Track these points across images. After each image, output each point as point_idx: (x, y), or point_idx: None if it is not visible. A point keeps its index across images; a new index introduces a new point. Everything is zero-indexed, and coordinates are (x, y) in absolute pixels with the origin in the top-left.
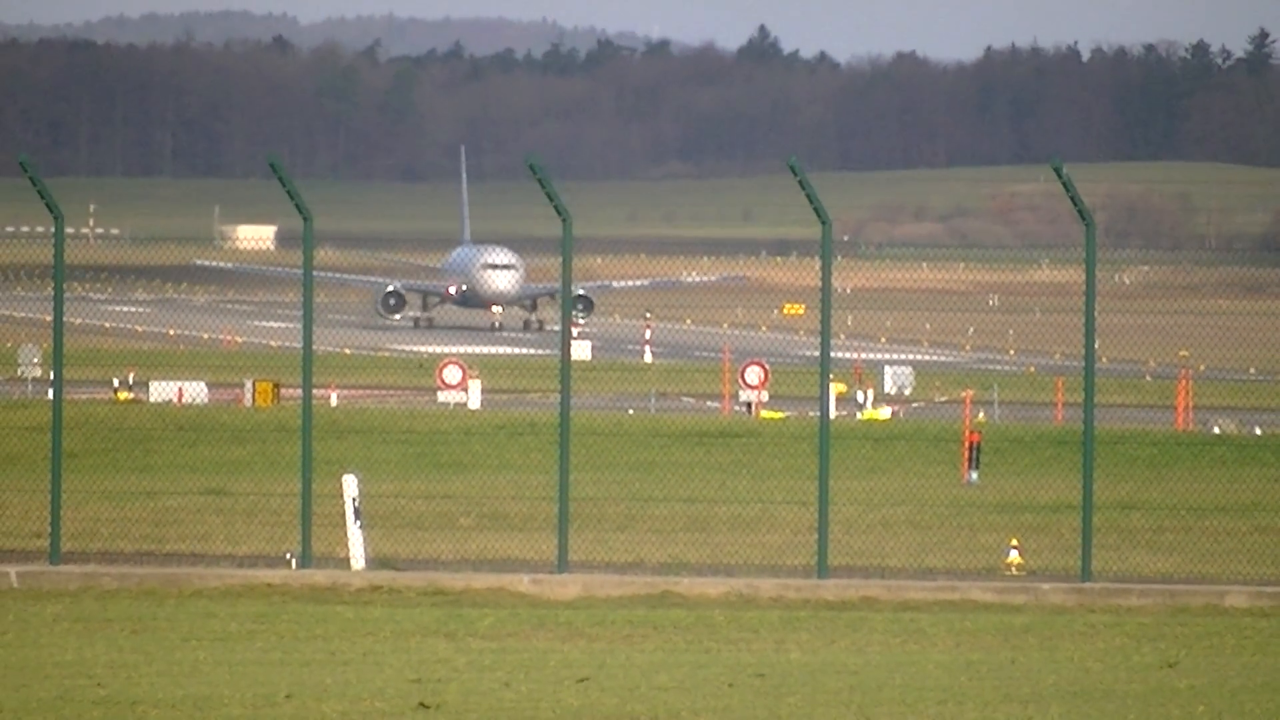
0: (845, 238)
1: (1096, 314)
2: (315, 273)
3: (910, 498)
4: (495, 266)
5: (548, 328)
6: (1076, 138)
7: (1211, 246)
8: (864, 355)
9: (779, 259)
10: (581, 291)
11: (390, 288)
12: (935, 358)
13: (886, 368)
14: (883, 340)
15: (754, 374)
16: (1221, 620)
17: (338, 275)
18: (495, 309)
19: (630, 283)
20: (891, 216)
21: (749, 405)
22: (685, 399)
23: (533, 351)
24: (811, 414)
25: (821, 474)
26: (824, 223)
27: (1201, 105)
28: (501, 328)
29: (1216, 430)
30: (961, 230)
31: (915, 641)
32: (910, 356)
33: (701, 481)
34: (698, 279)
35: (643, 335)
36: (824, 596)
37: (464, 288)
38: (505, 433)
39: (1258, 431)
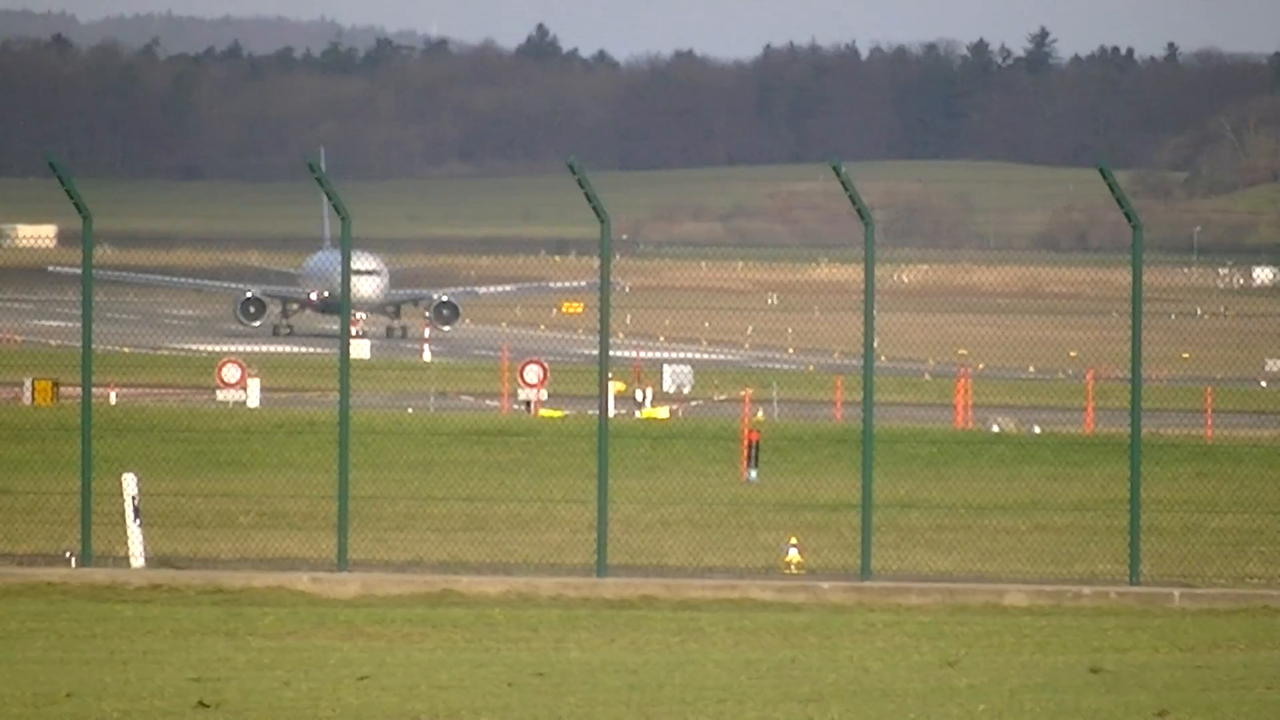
0: (624, 237)
1: (876, 313)
2: (174, 279)
3: (690, 496)
4: (359, 272)
5: (411, 334)
6: (856, 137)
7: (991, 245)
8: (643, 354)
9: (558, 258)
10: (447, 298)
11: (249, 294)
12: (714, 356)
13: (666, 366)
14: (662, 339)
15: (533, 372)
16: (1001, 619)
17: (194, 281)
18: (359, 315)
19: (496, 288)
20: (671, 215)
21: (528, 404)
22: (464, 397)
23: (312, 350)
24: (590, 412)
25: (601, 472)
26: (603, 221)
27: (981, 104)
28: (365, 335)
29: (995, 429)
30: (741, 229)
31: (695, 640)
32: (689, 355)
33: (481, 480)
34: (567, 284)
35: (423, 334)
36: (603, 595)
37: (325, 294)
38: (284, 431)
39: (1036, 430)
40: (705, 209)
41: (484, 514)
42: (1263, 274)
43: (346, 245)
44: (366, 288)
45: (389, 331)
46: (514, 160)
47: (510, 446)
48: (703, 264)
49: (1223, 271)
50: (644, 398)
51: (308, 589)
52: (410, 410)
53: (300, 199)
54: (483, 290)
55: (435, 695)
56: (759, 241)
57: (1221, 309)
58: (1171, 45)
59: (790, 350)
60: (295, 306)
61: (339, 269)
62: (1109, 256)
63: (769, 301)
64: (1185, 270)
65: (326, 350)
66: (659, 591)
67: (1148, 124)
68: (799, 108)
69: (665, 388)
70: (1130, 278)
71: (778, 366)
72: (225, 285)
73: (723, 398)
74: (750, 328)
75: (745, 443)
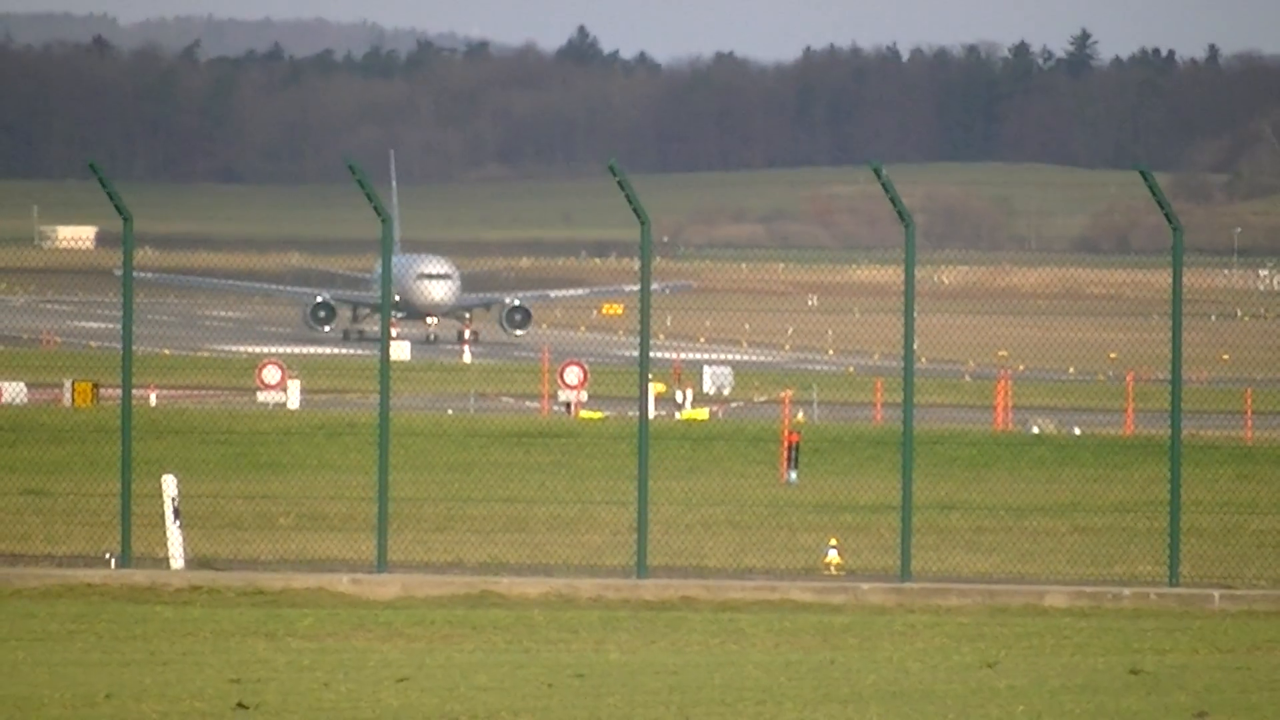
0: (665, 239)
1: (916, 314)
2: (230, 282)
3: (729, 498)
4: (431, 276)
5: (484, 338)
6: (895, 139)
7: (1031, 248)
8: (683, 355)
9: (599, 260)
10: (518, 302)
11: (319, 299)
12: (754, 358)
13: (706, 368)
14: (702, 340)
15: (573, 374)
16: (1041, 620)
17: (263, 286)
18: (430, 320)
19: (569, 292)
20: (711, 218)
21: (568, 405)
22: (504, 399)
23: (352, 352)
24: (630, 414)
25: (641, 474)
26: (643, 222)
27: (1021, 107)
28: (437, 339)
29: (1035, 430)
30: (781, 232)
31: (734, 641)
32: (729, 357)
33: (521, 482)
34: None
35: (464, 335)
36: (643, 596)
37: (396, 298)
38: (324, 433)
39: (1076, 431)
40: (745, 211)
41: (524, 515)
42: None
43: (387, 247)
44: (438, 292)
45: (460, 335)
46: (552, 163)
47: (550, 448)
48: (743, 266)
49: (1263, 274)
50: (684, 399)
51: (347, 590)
52: (450, 412)
53: (345, 201)
54: (555, 294)
55: (475, 697)
56: (799, 243)
57: (1262, 311)
58: (1212, 47)
59: (830, 352)
60: (365, 311)
61: (411, 273)
62: (1149, 259)
63: (809, 303)
64: (1225, 272)
65: (366, 352)
66: (699, 593)
67: (1188, 126)
68: (839, 110)
69: (705, 389)
70: (1170, 280)
71: (818, 368)
72: (290, 290)
73: (763, 399)
74: (790, 329)
75: (785, 444)
